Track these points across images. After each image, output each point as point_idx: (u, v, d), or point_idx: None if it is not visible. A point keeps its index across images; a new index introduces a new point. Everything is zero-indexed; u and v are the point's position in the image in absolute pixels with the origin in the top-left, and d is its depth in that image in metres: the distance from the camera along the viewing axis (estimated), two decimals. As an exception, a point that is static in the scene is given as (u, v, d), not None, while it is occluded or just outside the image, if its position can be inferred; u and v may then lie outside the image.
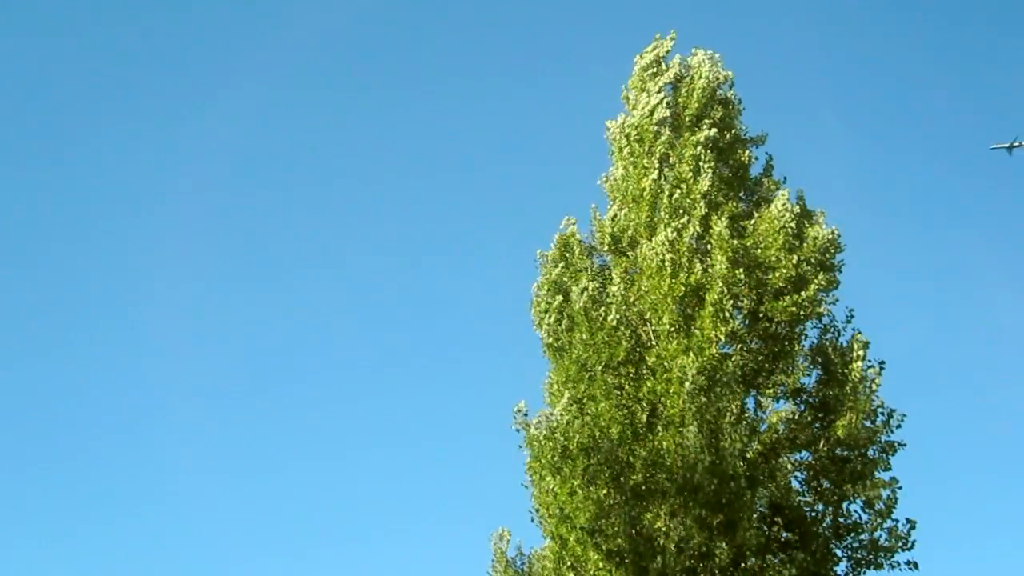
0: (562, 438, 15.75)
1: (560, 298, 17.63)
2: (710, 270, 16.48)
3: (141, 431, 56.14)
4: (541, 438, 16.01)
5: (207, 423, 56.45)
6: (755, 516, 15.27)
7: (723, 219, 16.98)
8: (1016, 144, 28.05)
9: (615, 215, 18.43)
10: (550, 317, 17.55)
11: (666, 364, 16.12)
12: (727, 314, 16.12)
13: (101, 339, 60.50)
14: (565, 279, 17.98)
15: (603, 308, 17.02)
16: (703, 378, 15.50)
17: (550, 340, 17.45)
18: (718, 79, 19.15)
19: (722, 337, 16.09)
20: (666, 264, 16.60)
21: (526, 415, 16.83)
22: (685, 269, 16.59)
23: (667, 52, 19.77)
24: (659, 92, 19.10)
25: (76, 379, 59.01)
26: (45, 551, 47.93)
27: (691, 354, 15.75)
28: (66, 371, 58.53)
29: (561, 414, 16.25)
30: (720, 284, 16.15)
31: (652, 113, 18.78)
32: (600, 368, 16.49)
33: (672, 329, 16.34)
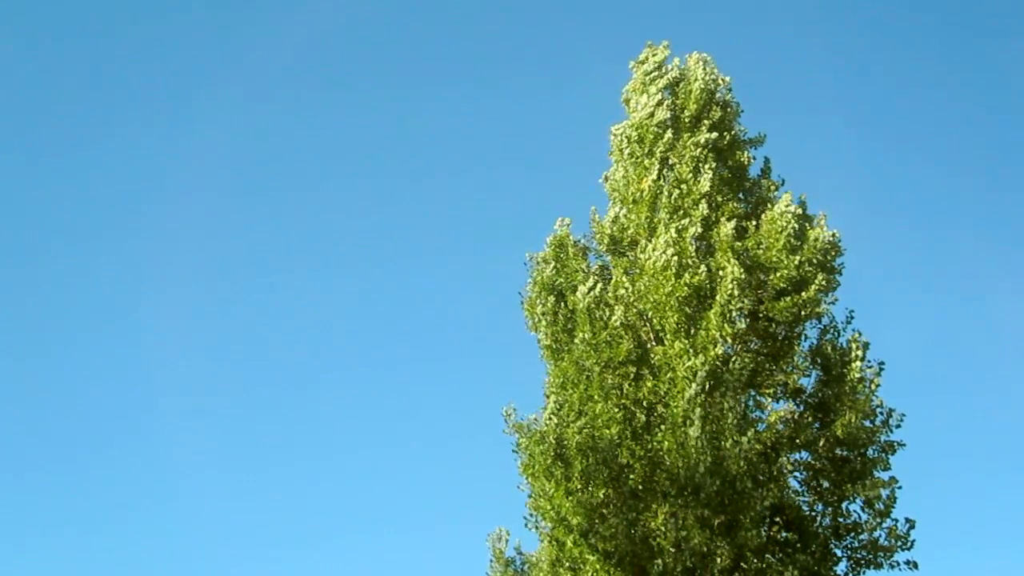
0: (554, 440, 15.76)
1: (553, 299, 17.68)
2: (721, 272, 16.56)
3: (141, 432, 56.17)
4: (531, 442, 16.01)
5: (204, 423, 56.49)
6: (756, 517, 15.30)
7: (729, 221, 17.06)
8: None
9: (615, 216, 18.55)
10: (547, 318, 17.60)
11: (669, 364, 16.17)
12: (733, 315, 16.21)
13: (100, 339, 60.51)
14: (559, 280, 18.03)
15: (606, 308, 17.08)
16: (709, 379, 15.55)
17: (548, 342, 17.49)
18: (714, 81, 19.35)
19: (728, 339, 16.17)
20: (671, 264, 16.65)
21: (515, 418, 16.85)
22: (689, 270, 16.65)
23: (664, 58, 20.01)
24: (658, 95, 19.26)
25: (76, 379, 59.02)
26: (45, 551, 47.98)
27: (698, 354, 15.81)
28: (66, 371, 58.56)
29: (550, 416, 16.32)
30: (730, 285, 16.21)
31: (652, 115, 18.93)
32: (599, 369, 16.54)
33: (676, 329, 16.40)
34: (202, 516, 49.17)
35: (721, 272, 16.54)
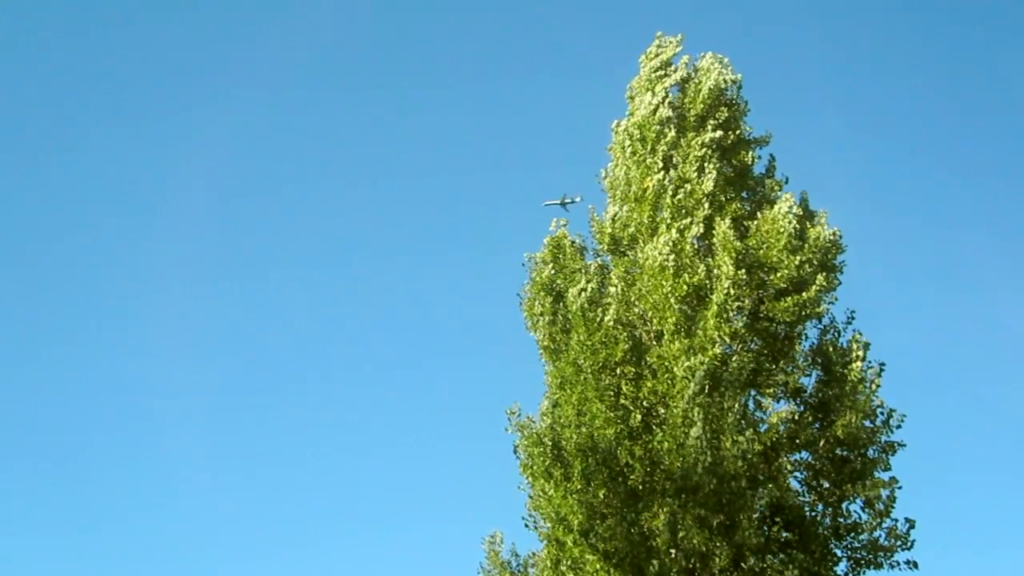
0: (550, 442, 15.70)
1: (551, 300, 17.64)
2: (716, 271, 16.50)
3: (142, 432, 56.23)
4: (530, 443, 15.97)
5: (204, 423, 56.55)
6: (755, 516, 15.28)
7: (726, 220, 16.99)
8: (568, 200, 28.61)
9: (615, 214, 18.45)
10: (544, 319, 17.54)
11: (668, 364, 16.13)
12: (730, 315, 16.16)
13: (102, 340, 60.58)
14: (558, 281, 17.98)
15: (600, 309, 17.02)
16: (708, 379, 15.51)
17: (546, 342, 17.45)
18: (726, 82, 19.15)
19: (726, 338, 16.12)
20: (669, 264, 16.60)
21: (519, 417, 16.79)
22: (688, 269, 16.59)
23: (674, 54, 19.82)
24: (663, 92, 19.12)
25: (77, 380, 59.10)
26: (45, 551, 47.97)
27: (696, 355, 15.76)
28: (67, 371, 58.62)
29: (543, 417, 16.22)
30: (726, 285, 16.15)
31: (655, 113, 18.80)
32: (596, 369, 16.48)
33: (674, 329, 16.34)
34: (201, 516, 49.21)
35: (716, 271, 16.48)
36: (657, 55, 19.87)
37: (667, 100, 19.02)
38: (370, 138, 67.62)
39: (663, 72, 19.62)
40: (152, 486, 52.76)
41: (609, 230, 18.33)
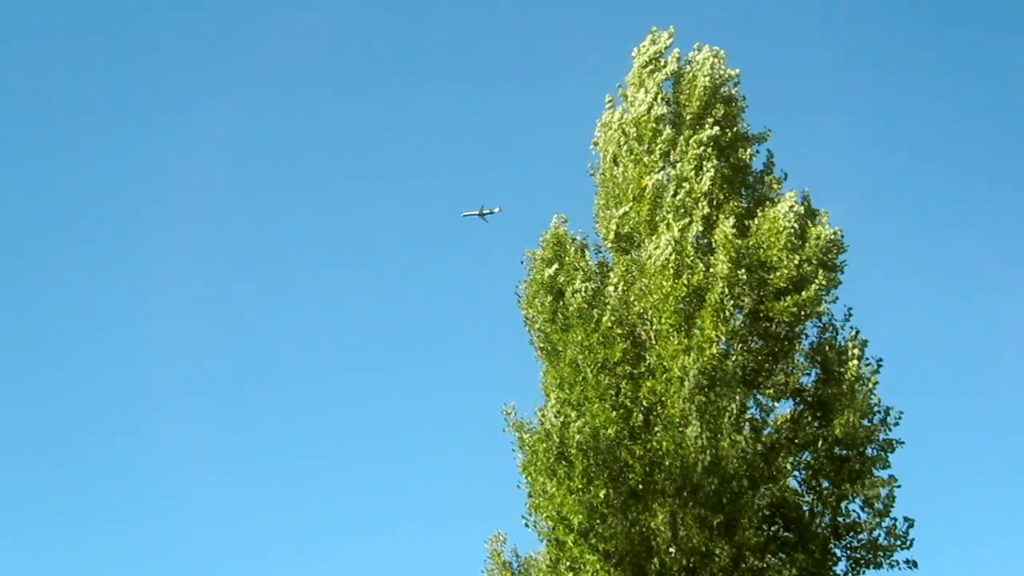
0: (557, 439, 15.66)
1: (550, 298, 17.50)
2: (712, 270, 16.45)
3: (141, 432, 56.23)
4: (534, 441, 15.90)
5: (206, 425, 56.58)
6: (755, 516, 15.27)
7: (729, 219, 16.93)
8: (486, 211, 28.61)
9: (625, 212, 18.21)
10: (539, 319, 17.45)
11: (666, 364, 16.10)
12: (727, 314, 16.10)
13: (102, 339, 60.58)
14: (560, 279, 17.71)
15: (598, 309, 16.92)
16: (704, 378, 15.48)
17: (541, 343, 17.34)
18: (722, 76, 19.01)
19: (723, 337, 16.07)
20: (669, 265, 16.54)
21: (515, 416, 16.67)
22: (688, 269, 16.54)
23: (666, 47, 19.63)
24: (656, 88, 19.02)
25: (77, 379, 59.08)
26: (45, 551, 47.97)
27: (692, 353, 15.72)
28: (67, 371, 58.60)
29: (555, 414, 16.16)
30: (721, 284, 16.12)
31: (650, 111, 18.72)
32: (595, 369, 16.43)
33: (672, 329, 16.31)
34: (201, 516, 49.22)
35: (713, 271, 16.45)
36: (648, 49, 19.75)
37: (660, 96, 18.91)
38: (367, 137, 67.65)
39: (654, 67, 19.48)
40: (152, 486, 52.78)
41: (615, 227, 18.18)
